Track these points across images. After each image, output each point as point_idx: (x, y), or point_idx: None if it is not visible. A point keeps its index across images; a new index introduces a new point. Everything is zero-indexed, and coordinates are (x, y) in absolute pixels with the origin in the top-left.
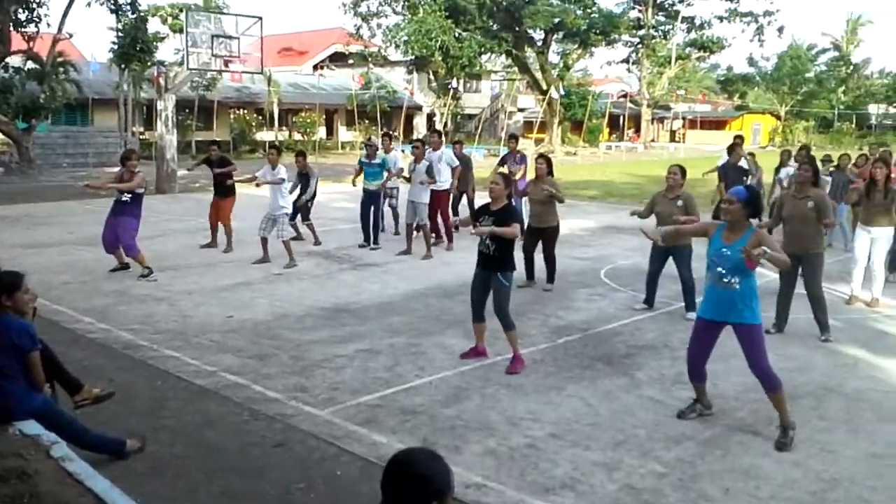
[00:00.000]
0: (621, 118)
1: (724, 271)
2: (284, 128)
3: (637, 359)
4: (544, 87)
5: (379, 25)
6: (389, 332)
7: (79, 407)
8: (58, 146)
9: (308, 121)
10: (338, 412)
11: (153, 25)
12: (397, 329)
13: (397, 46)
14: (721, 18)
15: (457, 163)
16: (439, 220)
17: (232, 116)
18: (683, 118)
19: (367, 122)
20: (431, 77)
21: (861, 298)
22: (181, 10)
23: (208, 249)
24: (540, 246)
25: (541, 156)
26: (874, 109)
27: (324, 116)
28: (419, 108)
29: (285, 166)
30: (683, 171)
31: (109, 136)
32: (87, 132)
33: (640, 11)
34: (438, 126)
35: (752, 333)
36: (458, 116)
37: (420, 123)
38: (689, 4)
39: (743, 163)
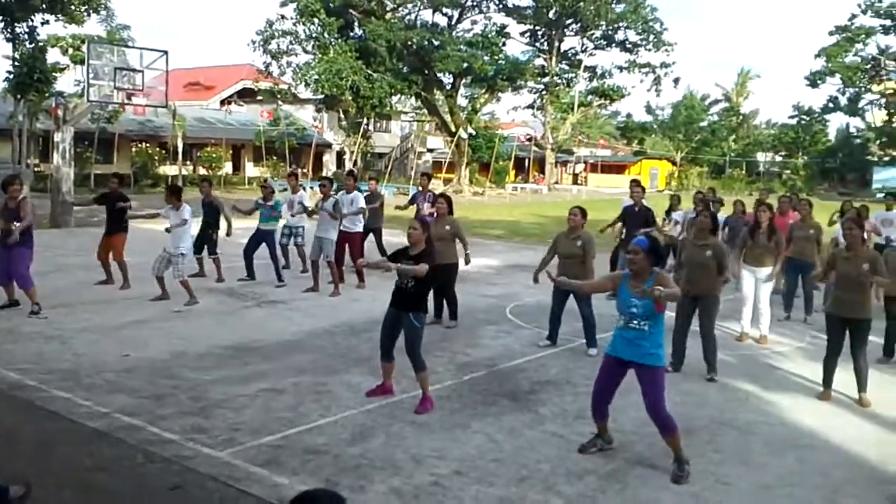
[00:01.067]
0: (527, 161)
1: (632, 314)
2: (189, 162)
3: (541, 395)
4: (453, 129)
5: (289, 63)
6: (294, 371)
7: None
8: None
9: (214, 155)
10: (238, 453)
11: (53, 56)
12: (302, 367)
13: (307, 85)
14: (621, 69)
15: (362, 204)
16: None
17: (134, 150)
18: (585, 162)
19: (275, 158)
20: (342, 115)
21: (750, 335)
22: (83, 42)
23: (103, 286)
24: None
25: (441, 195)
26: (762, 157)
27: (230, 152)
28: (329, 145)
29: (188, 204)
30: (584, 213)
31: (2, 168)
32: None
33: (544, 60)
34: (349, 164)
35: (654, 376)
36: (369, 155)
37: (330, 161)
38: (591, 55)
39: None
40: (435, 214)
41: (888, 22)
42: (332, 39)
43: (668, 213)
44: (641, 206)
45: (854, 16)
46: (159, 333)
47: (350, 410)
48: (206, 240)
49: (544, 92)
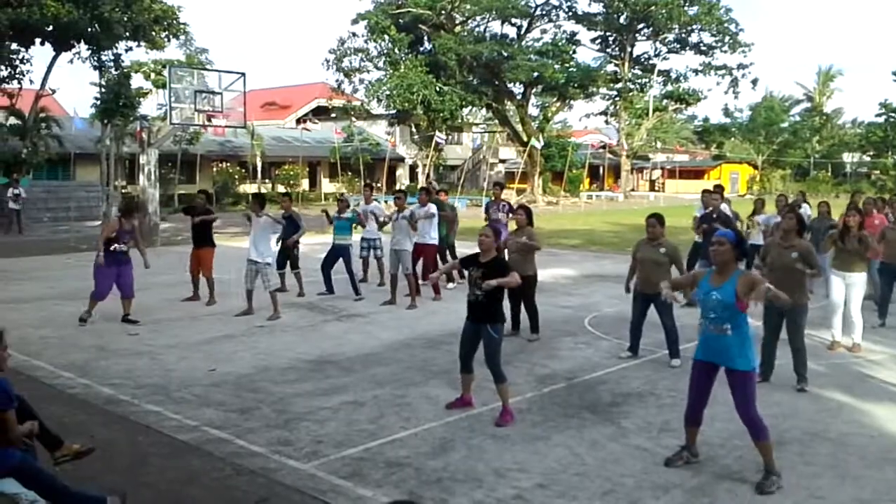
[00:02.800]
0: (601, 168)
1: (714, 316)
2: (268, 180)
3: (623, 407)
4: (525, 139)
5: (361, 80)
6: (374, 384)
7: (58, 463)
8: (39, 201)
9: (291, 173)
10: (322, 466)
11: (136, 81)
12: (382, 380)
13: (379, 101)
14: (696, 72)
15: (434, 212)
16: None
17: (215, 169)
18: (662, 168)
19: (349, 174)
20: (413, 129)
21: (842, 344)
22: (164, 66)
23: (190, 302)
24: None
25: (521, 206)
26: (848, 158)
27: (307, 169)
28: (402, 159)
29: (270, 215)
30: (661, 220)
31: (91, 191)
32: (68, 186)
33: (616, 66)
34: (422, 178)
35: (743, 380)
36: (441, 168)
37: (403, 175)
38: (664, 58)
39: (725, 209)
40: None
41: None
42: (403, 55)
43: (751, 216)
44: (720, 213)
45: None
46: (244, 348)
47: (430, 423)
48: (287, 254)
49: (617, 98)
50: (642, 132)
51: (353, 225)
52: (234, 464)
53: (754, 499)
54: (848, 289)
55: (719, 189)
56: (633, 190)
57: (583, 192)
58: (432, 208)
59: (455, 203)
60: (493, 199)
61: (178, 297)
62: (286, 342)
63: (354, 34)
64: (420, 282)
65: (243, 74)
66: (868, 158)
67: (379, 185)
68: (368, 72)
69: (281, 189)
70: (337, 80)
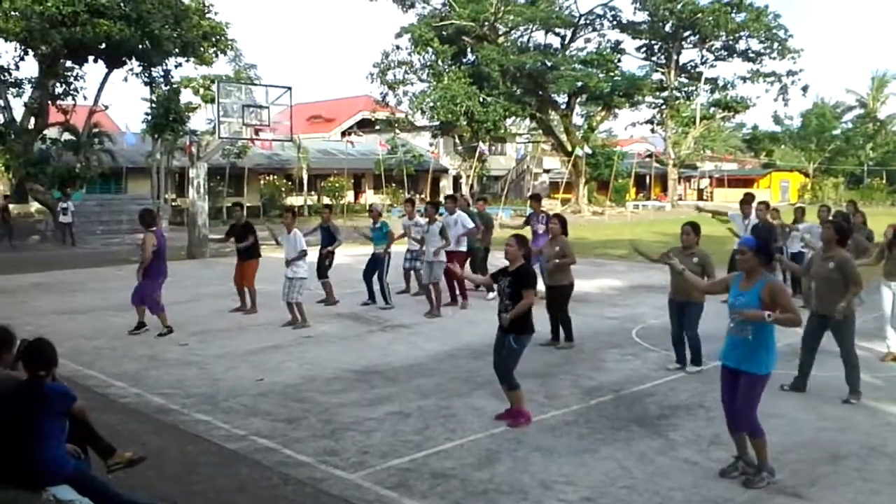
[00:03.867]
0: (647, 177)
1: (740, 319)
2: (313, 192)
3: (671, 419)
4: (569, 149)
5: (405, 93)
6: (419, 395)
7: (111, 471)
8: (92, 214)
9: (336, 185)
10: (368, 476)
11: (185, 96)
12: (427, 391)
13: (423, 112)
14: (744, 79)
15: (471, 224)
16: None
17: (262, 182)
18: (711, 177)
19: (394, 185)
20: (457, 140)
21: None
22: (213, 82)
23: (238, 313)
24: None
25: (556, 215)
26: None
27: (352, 181)
28: (445, 170)
29: (299, 230)
30: (696, 229)
31: (142, 204)
32: (120, 200)
33: (662, 74)
34: (465, 188)
35: (751, 383)
36: (485, 178)
37: (447, 186)
38: (711, 66)
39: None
40: (547, 233)
41: None
42: (446, 66)
43: (792, 223)
44: (765, 222)
45: None
46: (290, 358)
47: (475, 434)
48: (320, 263)
49: (663, 106)
50: (689, 140)
51: (386, 234)
52: (281, 473)
53: None
54: None
55: (750, 201)
56: (680, 199)
57: (629, 201)
58: (467, 222)
59: (499, 213)
60: (533, 210)
61: (227, 308)
62: (332, 352)
63: (398, 47)
64: (463, 292)
65: (289, 88)
66: None
67: (423, 196)
68: (412, 84)
69: (326, 201)
70: (381, 93)
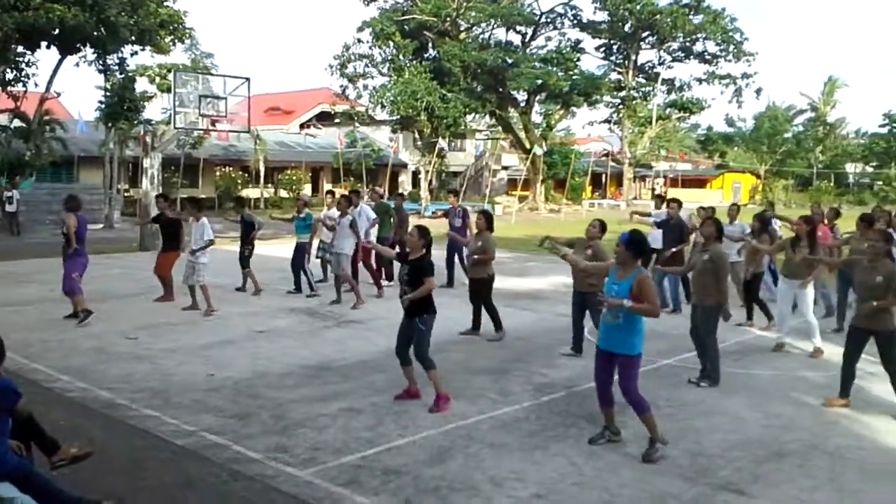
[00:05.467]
0: (604, 176)
1: (613, 310)
2: (270, 185)
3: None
4: (527, 146)
5: (365, 86)
6: (372, 391)
7: (56, 468)
8: (42, 203)
9: (294, 178)
10: (319, 473)
11: (141, 85)
12: (380, 387)
13: (383, 107)
14: (700, 80)
15: (374, 216)
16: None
17: (218, 174)
18: (665, 176)
19: (352, 179)
20: (417, 136)
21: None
22: (169, 71)
23: (190, 311)
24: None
25: (481, 211)
26: (851, 168)
27: (310, 174)
28: (404, 165)
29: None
30: (603, 226)
31: (94, 194)
32: (72, 189)
33: (620, 74)
34: (424, 183)
35: (626, 363)
36: (444, 174)
37: (406, 181)
38: (668, 67)
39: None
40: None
41: None
42: (407, 61)
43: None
44: (678, 220)
45: None
46: (243, 353)
47: (428, 431)
48: (242, 253)
49: (621, 106)
50: (645, 140)
51: (308, 225)
52: (231, 469)
53: None
54: (797, 296)
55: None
56: (635, 198)
57: (585, 199)
58: (370, 213)
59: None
60: (451, 206)
61: (180, 304)
62: (285, 348)
63: (359, 40)
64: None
65: (248, 79)
66: (871, 169)
67: (381, 190)
68: (373, 78)
69: (283, 194)
70: (341, 86)
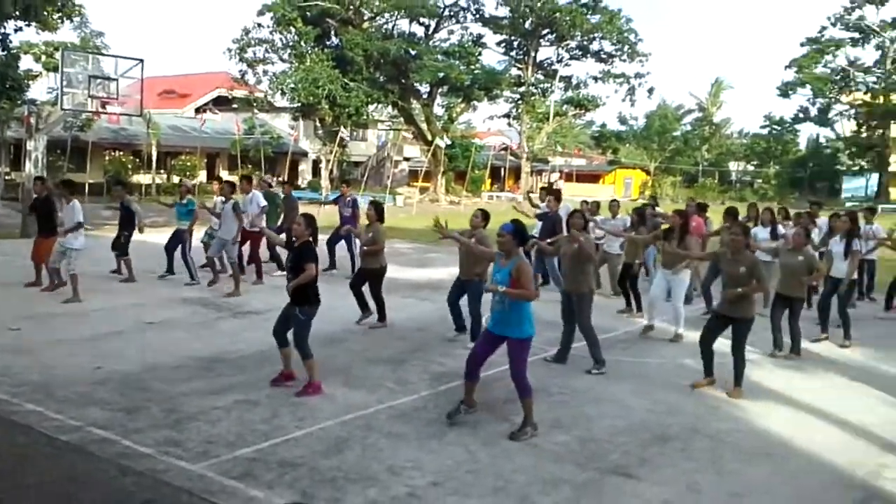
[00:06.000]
0: (502, 170)
1: (500, 296)
2: (163, 171)
3: (517, 404)
4: (429, 138)
5: (265, 72)
6: (269, 382)
7: None
8: None
9: (188, 164)
10: (212, 466)
11: (25, 63)
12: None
13: (283, 93)
14: (596, 79)
15: (264, 203)
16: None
17: (107, 158)
18: (561, 171)
19: (250, 166)
20: (318, 124)
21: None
22: (56, 49)
23: (72, 304)
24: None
25: (372, 202)
26: (734, 166)
27: (205, 160)
28: (305, 154)
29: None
30: (486, 215)
31: None
32: None
33: (520, 70)
34: (325, 173)
35: (517, 346)
36: (345, 164)
37: (306, 170)
38: (566, 65)
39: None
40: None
41: (856, 34)
42: (309, 48)
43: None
44: (555, 214)
45: (824, 28)
46: (132, 345)
47: (326, 422)
48: (117, 240)
49: (520, 101)
50: (542, 136)
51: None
52: (119, 465)
53: (639, 492)
54: (670, 283)
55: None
56: (531, 192)
57: (484, 192)
58: (261, 200)
59: (357, 199)
60: (341, 193)
61: (64, 295)
62: (177, 339)
63: (260, 25)
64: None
65: (141, 61)
66: (752, 168)
67: (281, 179)
68: (273, 63)
69: (176, 180)
70: (240, 71)
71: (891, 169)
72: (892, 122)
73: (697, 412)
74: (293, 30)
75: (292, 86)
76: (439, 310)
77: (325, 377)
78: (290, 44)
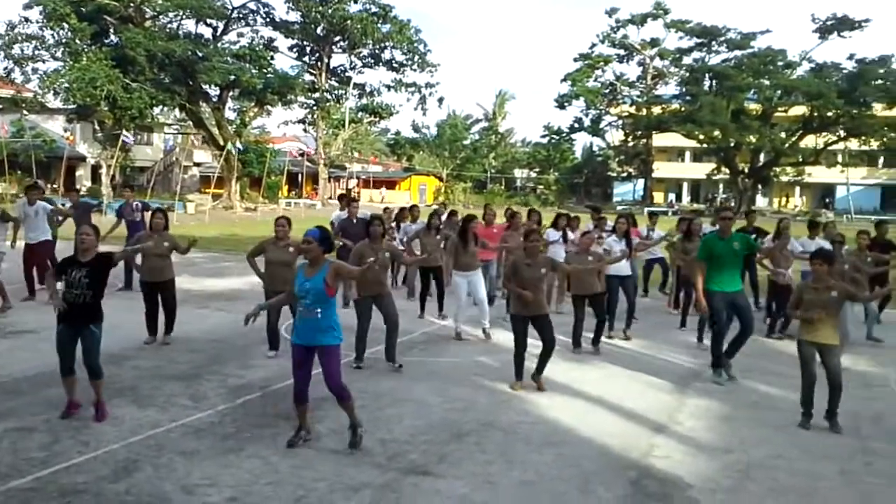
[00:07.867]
0: (300, 176)
1: (308, 302)
2: None
3: (317, 411)
4: (221, 143)
5: (35, 70)
6: (47, 406)
7: None
8: None
9: None
10: None
11: None
12: (57, 402)
13: (56, 93)
14: (389, 87)
15: (51, 208)
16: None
17: None
18: (358, 177)
19: (19, 172)
20: (97, 127)
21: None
22: None
23: None
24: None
25: (158, 209)
26: (519, 173)
27: None
28: (83, 158)
29: None
30: (289, 222)
31: None
32: None
33: (314, 76)
34: (105, 178)
35: (331, 354)
36: (128, 169)
37: (84, 175)
38: (360, 72)
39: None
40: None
41: (622, 52)
42: (85, 46)
43: (397, 225)
44: (358, 219)
45: (594, 45)
46: None
47: (112, 445)
48: None
49: (315, 107)
50: (339, 142)
51: None
52: None
53: (437, 489)
54: (470, 284)
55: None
56: (330, 198)
57: (282, 198)
58: (47, 206)
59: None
60: (126, 201)
61: None
62: None
63: (27, 19)
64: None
65: None
66: (535, 174)
67: (55, 185)
68: (44, 61)
69: None
70: (5, 69)
71: (654, 175)
72: (654, 132)
73: (490, 407)
74: (66, 26)
75: (66, 85)
76: (236, 320)
77: (110, 398)
78: (64, 41)
